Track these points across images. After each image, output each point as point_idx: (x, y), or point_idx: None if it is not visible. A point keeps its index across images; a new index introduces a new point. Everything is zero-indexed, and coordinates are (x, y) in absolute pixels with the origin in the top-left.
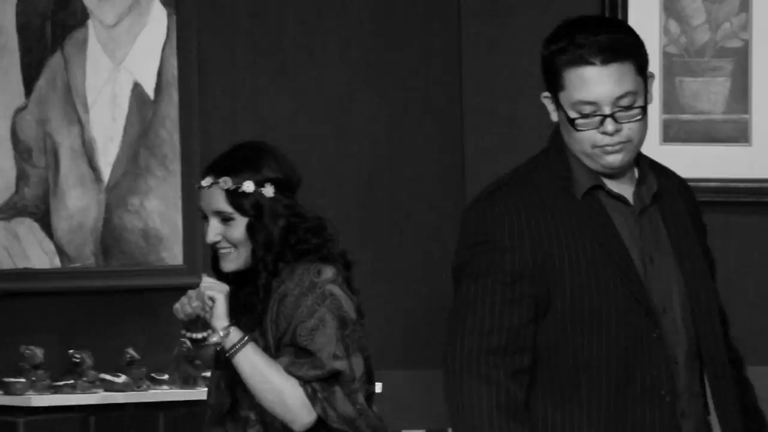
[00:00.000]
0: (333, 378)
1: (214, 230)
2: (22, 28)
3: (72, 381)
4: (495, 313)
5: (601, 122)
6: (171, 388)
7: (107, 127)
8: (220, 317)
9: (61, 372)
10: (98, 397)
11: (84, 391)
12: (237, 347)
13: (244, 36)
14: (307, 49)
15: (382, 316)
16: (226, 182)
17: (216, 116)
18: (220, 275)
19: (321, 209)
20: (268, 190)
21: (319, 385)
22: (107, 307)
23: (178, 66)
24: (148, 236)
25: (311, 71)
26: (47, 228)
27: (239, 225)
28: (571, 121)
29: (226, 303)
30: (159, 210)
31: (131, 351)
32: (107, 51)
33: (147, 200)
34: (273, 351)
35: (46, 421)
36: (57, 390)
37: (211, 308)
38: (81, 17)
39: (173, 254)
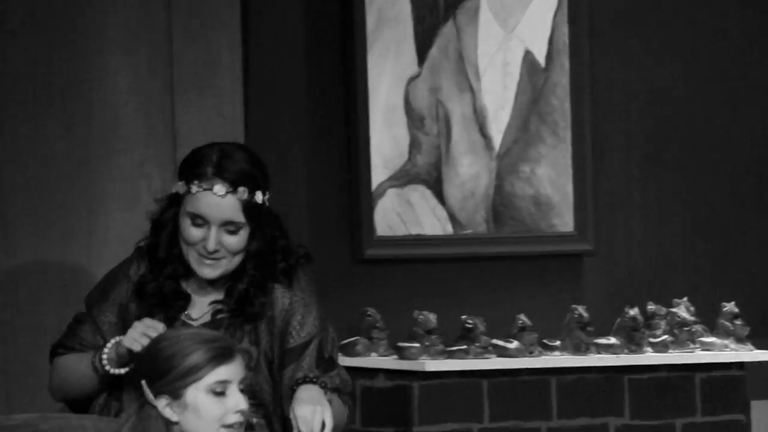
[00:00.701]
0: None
1: (217, 238)
2: None
3: (465, 346)
4: None
5: None
6: (562, 355)
7: (498, 95)
8: None
9: (454, 337)
10: (491, 363)
11: (477, 356)
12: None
13: (633, 2)
14: (698, 19)
15: None
16: (244, 193)
17: (607, 83)
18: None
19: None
20: (267, 199)
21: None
22: (498, 274)
23: (569, 33)
24: (539, 203)
25: (700, 39)
26: (439, 195)
27: (243, 234)
28: None
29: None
30: (550, 177)
31: (522, 317)
32: (498, 19)
33: (538, 167)
34: (265, 359)
35: (440, 385)
36: (450, 355)
37: None
38: None
39: (564, 221)
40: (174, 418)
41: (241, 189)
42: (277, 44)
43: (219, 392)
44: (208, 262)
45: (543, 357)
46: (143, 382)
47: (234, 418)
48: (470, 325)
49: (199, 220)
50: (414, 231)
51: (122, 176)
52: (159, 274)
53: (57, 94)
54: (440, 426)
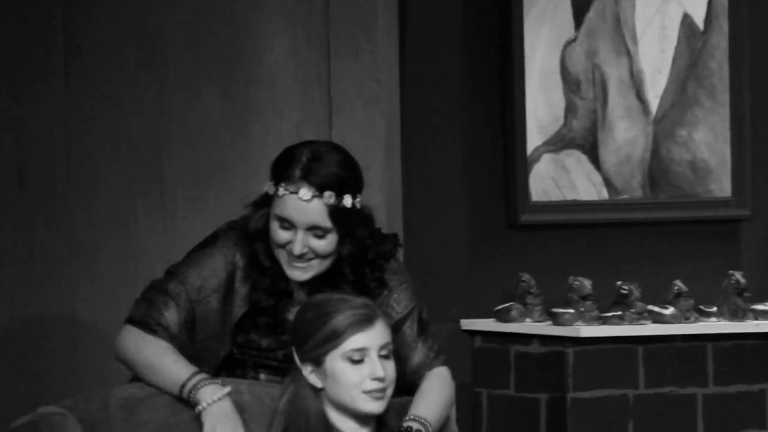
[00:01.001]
0: None
1: (303, 242)
2: None
3: (620, 312)
4: None
5: None
6: (719, 321)
7: (655, 59)
8: None
9: (609, 303)
10: (646, 329)
11: (632, 322)
12: None
13: None
14: None
15: None
16: (331, 197)
17: (766, 46)
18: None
19: None
20: (358, 202)
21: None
22: (654, 239)
23: None
24: (695, 168)
25: None
26: (595, 160)
27: (331, 238)
28: None
29: None
30: (707, 141)
31: (678, 283)
32: None
33: (695, 131)
34: None
35: (595, 351)
36: (605, 321)
37: None
38: None
39: (721, 186)
40: (318, 384)
41: (327, 193)
42: (433, 9)
43: (356, 360)
44: (297, 264)
45: (699, 323)
46: (293, 348)
47: (372, 385)
48: (625, 291)
49: (286, 223)
50: (569, 196)
51: (278, 141)
52: (264, 284)
53: (215, 59)
54: (594, 392)
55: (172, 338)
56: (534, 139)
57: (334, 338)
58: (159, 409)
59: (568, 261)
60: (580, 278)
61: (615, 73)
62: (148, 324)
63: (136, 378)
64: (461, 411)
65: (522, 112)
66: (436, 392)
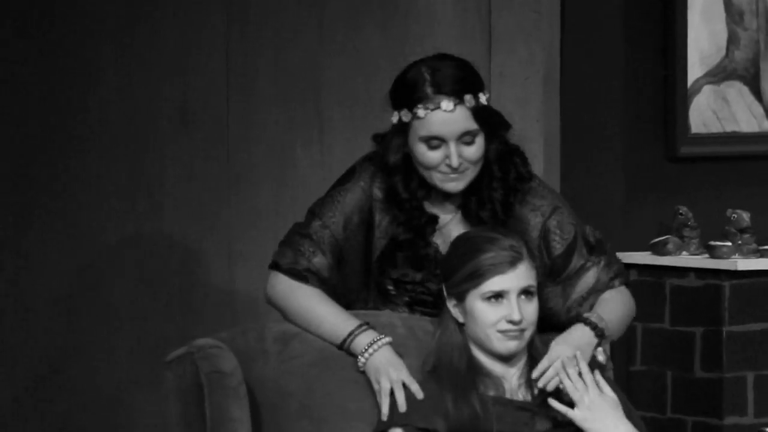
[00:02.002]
0: None
1: (457, 153)
2: None
3: None
4: None
5: None
6: None
7: None
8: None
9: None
10: None
11: None
12: None
13: None
14: None
15: None
16: (470, 100)
17: None
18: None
19: None
20: (487, 98)
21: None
22: None
23: None
24: None
25: None
26: (756, 91)
27: (479, 141)
28: None
29: None
30: None
31: None
32: None
33: None
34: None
35: (752, 284)
36: (763, 254)
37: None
38: None
39: None
40: (460, 319)
41: (466, 97)
42: None
43: (494, 301)
44: (453, 176)
45: None
46: (443, 279)
47: (507, 326)
48: None
49: (434, 141)
50: (729, 128)
51: None
52: (404, 216)
53: None
54: (751, 326)
55: (322, 282)
56: (695, 70)
57: (476, 277)
58: (313, 343)
59: (727, 194)
60: (738, 211)
61: None
62: (297, 271)
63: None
64: (616, 344)
65: (684, 43)
66: (617, 300)
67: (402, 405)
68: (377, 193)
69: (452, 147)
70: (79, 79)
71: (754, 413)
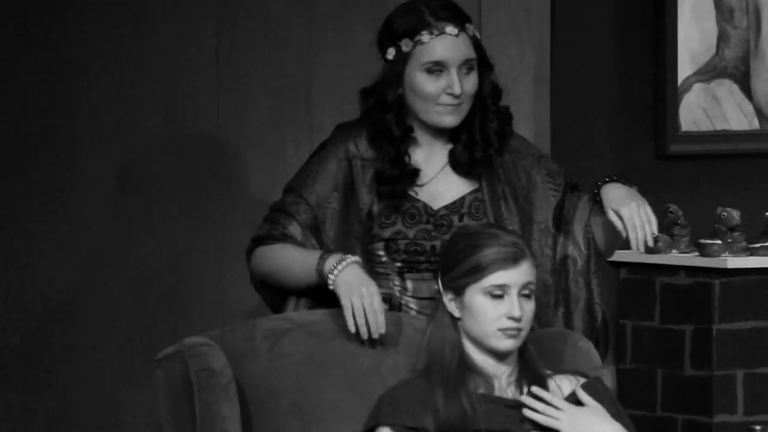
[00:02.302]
0: None
1: (459, 80)
2: None
3: None
4: None
5: None
6: None
7: None
8: None
9: (758, 234)
10: None
11: None
12: None
13: None
14: None
15: None
16: (470, 29)
17: None
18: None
19: None
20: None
21: None
22: None
23: None
24: None
25: None
26: (746, 89)
27: (474, 73)
28: None
29: None
30: None
31: None
32: None
33: None
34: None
35: (742, 282)
36: (753, 252)
37: None
38: None
39: None
40: (456, 314)
41: (468, 26)
42: None
43: (496, 295)
44: (452, 107)
45: None
46: (438, 274)
47: (507, 324)
48: None
49: (436, 68)
50: (719, 126)
51: None
52: (394, 152)
53: None
54: (740, 324)
55: (300, 245)
56: (685, 68)
57: (477, 271)
58: (304, 341)
59: (717, 192)
60: (728, 209)
61: None
62: (274, 236)
63: (278, 310)
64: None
65: (674, 41)
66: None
67: (372, 331)
68: (355, 149)
69: (454, 74)
70: (68, 78)
71: (744, 411)
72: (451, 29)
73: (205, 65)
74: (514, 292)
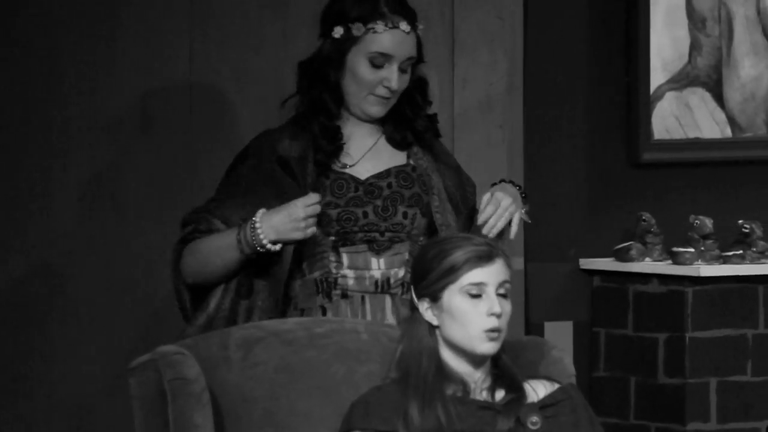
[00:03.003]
0: None
1: (397, 77)
2: None
3: (741, 251)
4: None
5: None
6: None
7: None
8: None
9: (730, 242)
10: (767, 268)
11: (752, 261)
12: None
13: None
14: None
15: None
16: (419, 29)
17: None
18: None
19: None
20: None
21: None
22: None
23: None
24: None
25: None
26: (719, 98)
27: (408, 74)
28: None
29: None
30: None
31: None
32: None
33: None
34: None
35: (715, 290)
36: (726, 260)
37: None
38: None
39: None
40: (434, 321)
41: (418, 25)
42: None
43: (474, 294)
44: (383, 100)
45: None
46: (411, 286)
47: (489, 323)
48: (747, 230)
49: (380, 59)
50: (692, 134)
51: None
52: (331, 126)
53: None
54: (714, 332)
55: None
56: (657, 76)
57: (453, 272)
58: (277, 349)
59: (690, 200)
60: (701, 217)
61: (741, 10)
62: (200, 231)
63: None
64: (579, 350)
65: (646, 49)
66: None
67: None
68: (287, 142)
69: (395, 69)
70: (39, 83)
71: (717, 419)
72: (404, 26)
73: (178, 73)
74: (491, 290)
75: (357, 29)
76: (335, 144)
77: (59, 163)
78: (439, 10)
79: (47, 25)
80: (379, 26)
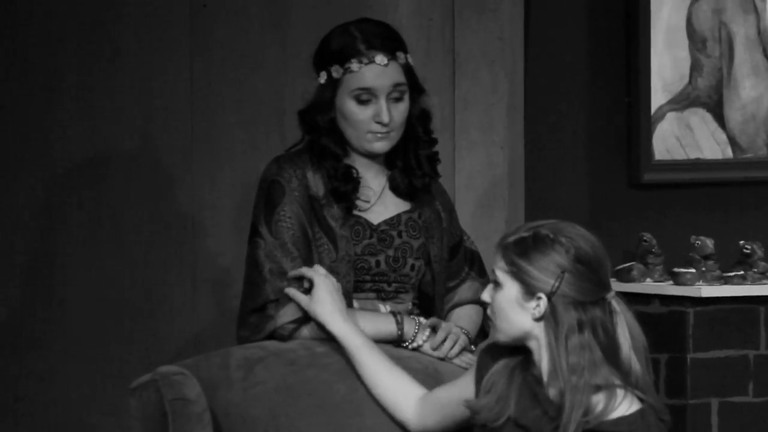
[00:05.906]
0: None
1: (387, 108)
2: None
3: (742, 272)
4: None
5: None
6: None
7: None
8: None
9: (731, 263)
10: None
11: (754, 282)
12: None
13: None
14: None
15: None
16: (401, 57)
17: None
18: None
19: None
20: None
21: None
22: None
23: None
24: None
25: None
26: (720, 118)
27: (406, 101)
28: None
29: None
30: None
31: None
32: None
33: None
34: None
35: (716, 311)
36: (727, 281)
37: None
38: None
39: None
40: None
41: (399, 54)
42: None
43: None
44: (381, 135)
45: None
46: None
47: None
48: (748, 251)
49: (365, 96)
50: (693, 155)
51: None
52: (342, 167)
53: (339, 18)
54: (715, 352)
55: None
56: (658, 97)
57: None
58: (278, 369)
59: (691, 220)
60: (702, 238)
61: (742, 31)
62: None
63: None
64: None
65: (647, 70)
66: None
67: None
68: (312, 179)
69: (383, 102)
70: (40, 101)
71: None
72: (380, 58)
73: (178, 92)
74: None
75: (336, 71)
76: (351, 183)
77: (59, 184)
78: (440, 31)
79: (47, 45)
80: (354, 65)
